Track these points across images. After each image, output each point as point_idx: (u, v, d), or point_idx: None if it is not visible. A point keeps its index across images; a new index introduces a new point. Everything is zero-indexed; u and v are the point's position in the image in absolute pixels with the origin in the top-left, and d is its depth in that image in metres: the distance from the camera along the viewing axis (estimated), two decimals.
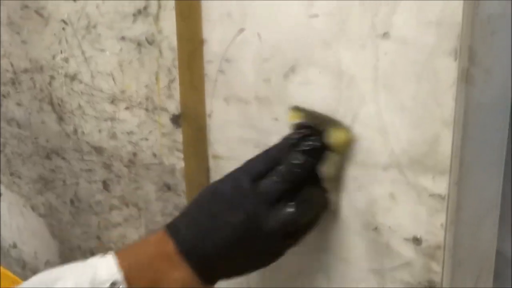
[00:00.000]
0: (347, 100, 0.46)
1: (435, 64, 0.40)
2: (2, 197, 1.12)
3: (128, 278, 0.46)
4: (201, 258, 0.46)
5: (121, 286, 0.45)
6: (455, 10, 0.38)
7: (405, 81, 0.42)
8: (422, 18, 0.40)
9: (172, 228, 0.49)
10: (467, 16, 0.38)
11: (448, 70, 0.39)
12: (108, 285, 0.45)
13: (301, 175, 0.46)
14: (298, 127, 0.50)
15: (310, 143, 0.47)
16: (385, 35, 0.42)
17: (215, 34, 0.57)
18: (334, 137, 0.47)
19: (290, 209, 0.45)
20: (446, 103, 0.40)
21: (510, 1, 0.42)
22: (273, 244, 0.46)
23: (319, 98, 0.48)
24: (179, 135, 0.67)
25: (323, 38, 0.47)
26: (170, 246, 0.47)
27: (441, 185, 0.42)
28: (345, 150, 0.47)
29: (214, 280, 0.48)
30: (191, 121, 0.63)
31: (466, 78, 0.40)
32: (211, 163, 0.63)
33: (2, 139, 1.07)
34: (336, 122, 0.47)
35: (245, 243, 0.46)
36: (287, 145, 0.48)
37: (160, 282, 0.47)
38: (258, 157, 0.49)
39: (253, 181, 0.47)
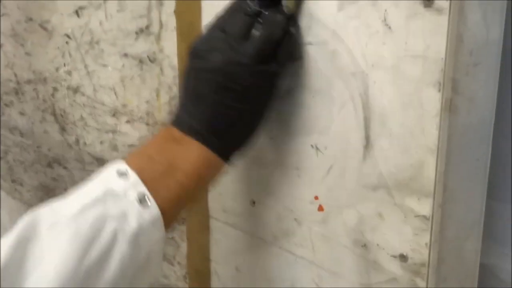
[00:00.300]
0: (339, 123, 0.49)
1: (421, 94, 0.42)
2: (3, 203, 1.14)
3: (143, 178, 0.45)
4: (205, 129, 0.47)
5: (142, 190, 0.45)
6: (439, 47, 0.40)
7: (393, 109, 0.45)
8: (409, 51, 0.42)
9: (173, 120, 0.50)
10: (450, 51, 0.41)
11: (432, 100, 0.42)
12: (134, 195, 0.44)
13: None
14: None
15: None
16: (374, 65, 0.45)
17: None
18: None
19: (257, 32, 0.47)
20: (430, 132, 0.43)
21: (495, 33, 0.45)
22: (258, 74, 0.47)
23: (311, 122, 0.51)
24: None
25: (316, 65, 0.49)
26: (175, 132, 0.48)
27: (425, 207, 0.45)
28: None
29: (226, 150, 0.49)
30: None
31: (449, 108, 0.42)
32: None
33: (4, 147, 1.10)
34: None
35: (232, 89, 0.47)
36: None
37: (175, 165, 0.47)
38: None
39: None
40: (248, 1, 0.48)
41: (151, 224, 0.44)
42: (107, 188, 0.44)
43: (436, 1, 0.40)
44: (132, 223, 0.43)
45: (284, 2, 0.48)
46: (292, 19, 0.48)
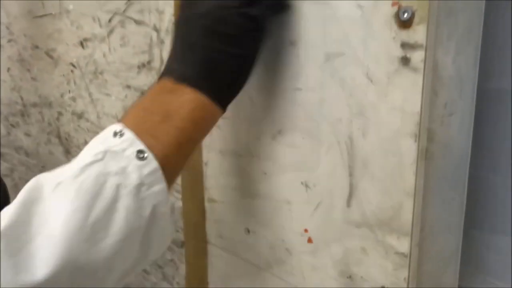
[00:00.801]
0: (326, 163, 0.53)
1: (399, 143, 0.46)
2: None
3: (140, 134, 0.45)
4: (196, 75, 0.48)
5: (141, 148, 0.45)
6: (415, 102, 0.44)
7: (374, 154, 0.48)
8: (389, 103, 0.46)
9: (164, 71, 0.50)
10: (425, 106, 0.45)
11: (409, 149, 0.46)
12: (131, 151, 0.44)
13: None
14: None
15: None
16: (358, 113, 0.49)
17: None
18: None
19: None
20: (408, 177, 0.46)
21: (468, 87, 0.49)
22: (246, 17, 0.48)
23: (301, 161, 0.55)
24: (178, 178, 0.73)
25: (305, 109, 0.53)
26: (167, 83, 0.49)
27: (404, 245, 0.48)
28: None
29: (219, 94, 0.49)
30: (190, 168, 0.69)
31: (425, 155, 0.46)
32: (207, 205, 0.69)
33: (10, 165, 1.13)
34: None
35: (221, 32, 0.47)
36: None
37: (170, 113, 0.47)
38: None
39: None
40: None
41: (151, 176, 0.44)
42: (105, 148, 0.44)
43: (412, 61, 0.44)
44: (132, 177, 0.43)
45: None
46: None
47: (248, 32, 0.49)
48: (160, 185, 0.45)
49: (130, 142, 0.45)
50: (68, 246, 0.40)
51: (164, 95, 0.49)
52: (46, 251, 0.40)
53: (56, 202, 0.41)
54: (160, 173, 0.45)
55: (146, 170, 0.44)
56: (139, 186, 0.44)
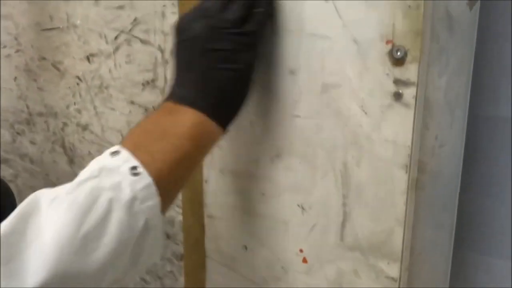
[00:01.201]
0: (322, 188, 0.55)
1: (391, 173, 0.49)
2: None
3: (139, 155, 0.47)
4: (194, 95, 0.50)
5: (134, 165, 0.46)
6: (406, 135, 0.47)
7: (367, 182, 0.51)
8: (381, 135, 0.48)
9: (167, 96, 0.53)
10: (416, 139, 0.47)
11: (400, 180, 0.48)
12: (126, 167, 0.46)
13: None
14: None
15: None
16: (353, 142, 0.51)
17: None
18: None
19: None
20: (399, 206, 0.49)
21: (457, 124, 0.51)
22: (238, 35, 0.50)
23: (298, 184, 0.57)
24: (179, 194, 0.76)
25: (303, 135, 0.55)
26: (169, 105, 0.51)
27: (394, 270, 0.51)
28: None
29: (218, 112, 0.51)
30: (190, 185, 0.71)
31: (416, 185, 0.48)
32: (206, 221, 0.71)
33: (14, 171, 1.16)
34: None
35: (216, 51, 0.50)
36: None
37: (168, 131, 0.49)
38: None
39: None
40: None
41: (144, 191, 0.46)
42: (101, 166, 0.46)
43: (404, 97, 0.46)
44: (125, 192, 0.45)
45: None
46: None
47: (241, 48, 0.51)
48: (153, 200, 0.46)
49: (125, 159, 0.47)
50: (59, 256, 0.42)
51: (163, 116, 0.51)
52: (38, 260, 0.42)
53: (51, 214, 0.43)
54: (153, 188, 0.46)
55: (139, 185, 0.46)
56: (132, 200, 0.45)
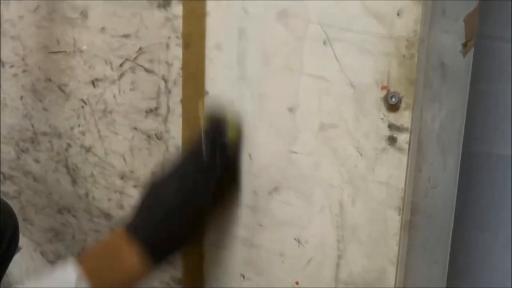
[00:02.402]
0: (318, 224, 0.57)
1: (384, 214, 0.50)
2: None
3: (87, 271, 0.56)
4: (147, 237, 0.59)
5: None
6: (400, 178, 0.48)
7: (362, 221, 0.52)
8: (376, 177, 0.50)
9: (126, 225, 0.61)
10: (409, 182, 0.48)
11: (393, 221, 0.49)
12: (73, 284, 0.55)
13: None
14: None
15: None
16: (348, 182, 0.52)
17: None
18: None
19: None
20: (392, 246, 0.50)
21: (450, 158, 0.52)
22: (207, 199, 0.60)
23: (295, 218, 0.59)
24: None
25: (300, 171, 0.57)
26: (124, 236, 0.59)
27: None
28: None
29: (161, 257, 0.60)
30: None
31: (409, 226, 0.50)
32: (205, 248, 0.73)
33: (17, 187, 1.17)
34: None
35: (182, 210, 0.59)
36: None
37: (115, 269, 0.58)
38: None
39: None
40: (203, 149, 0.60)
41: None
42: None
43: (398, 141, 0.47)
44: None
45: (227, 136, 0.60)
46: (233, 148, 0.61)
47: (204, 212, 0.62)
48: None
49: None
50: None
51: (117, 249, 0.59)
52: None
53: None
54: None
55: None
56: None
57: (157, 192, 0.63)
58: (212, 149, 0.60)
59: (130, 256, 0.58)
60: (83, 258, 0.59)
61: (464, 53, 0.50)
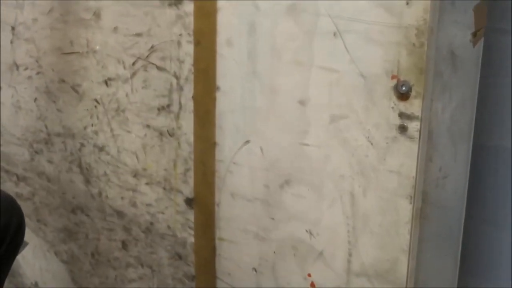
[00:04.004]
0: (329, 216, 0.57)
1: (396, 203, 0.50)
2: (27, 240, 1.23)
3: None
4: None
5: None
6: (411, 167, 0.48)
7: (373, 211, 0.52)
8: (387, 166, 0.50)
9: None
10: (420, 170, 0.48)
11: (405, 210, 0.49)
12: None
13: None
14: None
15: None
16: (359, 172, 0.53)
17: (225, 140, 0.68)
18: None
19: None
20: (403, 235, 0.50)
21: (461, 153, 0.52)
22: None
23: (306, 211, 0.59)
24: (191, 215, 0.78)
25: (311, 164, 0.57)
26: None
27: None
28: None
29: None
30: (202, 207, 0.73)
31: (420, 216, 0.50)
32: (217, 243, 0.73)
33: (31, 189, 1.19)
34: None
35: None
36: None
37: None
38: None
39: None
40: None
41: None
42: None
43: (409, 130, 0.48)
44: None
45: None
46: None
47: None
48: None
49: None
50: None
51: None
52: None
53: None
54: None
55: None
56: None
57: None
58: None
59: None
60: None
61: (474, 43, 0.50)
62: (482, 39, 0.52)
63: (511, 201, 0.65)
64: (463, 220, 0.55)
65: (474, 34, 0.49)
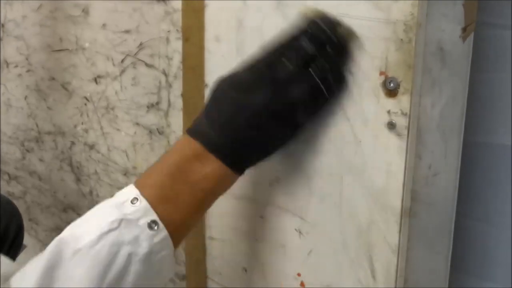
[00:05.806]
0: (319, 213, 0.56)
1: (385, 201, 0.49)
2: None
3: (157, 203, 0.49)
4: (229, 148, 0.50)
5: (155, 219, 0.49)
6: (399, 164, 0.47)
7: (363, 208, 0.51)
8: (375, 163, 0.49)
9: (194, 132, 0.52)
10: (409, 168, 0.48)
11: (394, 208, 0.49)
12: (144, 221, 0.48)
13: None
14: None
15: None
16: (348, 170, 0.52)
17: None
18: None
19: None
20: (393, 233, 0.49)
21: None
22: (306, 115, 0.50)
23: (295, 209, 0.58)
24: None
25: (300, 161, 0.56)
26: (197, 146, 0.51)
27: None
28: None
29: (243, 168, 0.53)
30: None
31: (409, 214, 0.49)
32: (207, 242, 0.72)
33: (23, 188, 1.18)
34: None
35: (270, 125, 0.50)
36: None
37: (193, 184, 0.50)
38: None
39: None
40: (303, 43, 0.49)
41: (161, 245, 0.49)
42: (121, 216, 0.48)
43: (397, 127, 0.47)
44: (143, 246, 0.48)
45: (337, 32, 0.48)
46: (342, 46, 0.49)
47: (299, 124, 0.52)
48: (168, 250, 0.50)
49: (144, 212, 0.49)
50: None
51: (190, 162, 0.51)
52: None
53: (74, 269, 0.46)
54: (169, 241, 0.50)
55: (156, 239, 0.49)
56: (149, 254, 0.49)
57: (243, 104, 0.50)
58: (316, 41, 0.48)
59: (214, 174, 0.51)
60: (147, 178, 0.52)
61: (464, 38, 0.49)
62: (473, 34, 0.51)
63: (503, 198, 0.65)
64: (453, 218, 0.55)
65: (464, 29, 0.49)
